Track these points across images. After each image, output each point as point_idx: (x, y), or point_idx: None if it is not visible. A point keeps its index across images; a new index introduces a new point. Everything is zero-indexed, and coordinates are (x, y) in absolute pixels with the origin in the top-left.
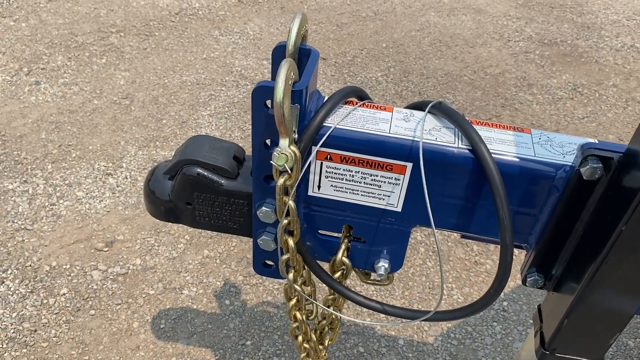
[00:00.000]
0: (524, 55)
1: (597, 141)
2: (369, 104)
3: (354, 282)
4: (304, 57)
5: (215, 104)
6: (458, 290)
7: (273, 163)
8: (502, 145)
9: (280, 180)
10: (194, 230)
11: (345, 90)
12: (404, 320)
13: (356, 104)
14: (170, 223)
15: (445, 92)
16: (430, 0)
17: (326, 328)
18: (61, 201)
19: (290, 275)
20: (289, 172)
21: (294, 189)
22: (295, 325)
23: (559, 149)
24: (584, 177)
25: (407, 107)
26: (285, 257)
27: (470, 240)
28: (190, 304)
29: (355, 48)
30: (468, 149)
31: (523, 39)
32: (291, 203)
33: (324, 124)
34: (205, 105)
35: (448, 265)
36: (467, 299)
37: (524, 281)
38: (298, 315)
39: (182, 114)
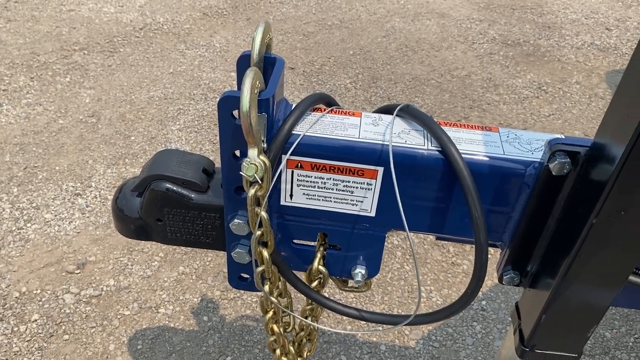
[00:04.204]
0: (488, 56)
1: (564, 136)
2: (337, 110)
3: (333, 290)
4: (269, 65)
5: (184, 118)
6: (437, 292)
7: (243, 174)
8: (471, 145)
9: (251, 191)
10: (168, 247)
11: (312, 97)
12: (385, 326)
13: (324, 110)
14: (142, 241)
15: (414, 96)
16: (394, 6)
17: (304, 339)
18: (29, 224)
19: (266, 288)
20: (260, 182)
21: (266, 199)
22: (272, 338)
23: (527, 145)
24: (553, 173)
25: (376, 111)
26: (260, 269)
27: (446, 242)
28: (167, 322)
29: (322, 56)
30: (438, 151)
31: (487, 41)
32: (263, 214)
33: (293, 132)
34: (174, 120)
35: (426, 268)
36: (446, 301)
37: (500, 279)
38: (275, 328)
39: (150, 130)
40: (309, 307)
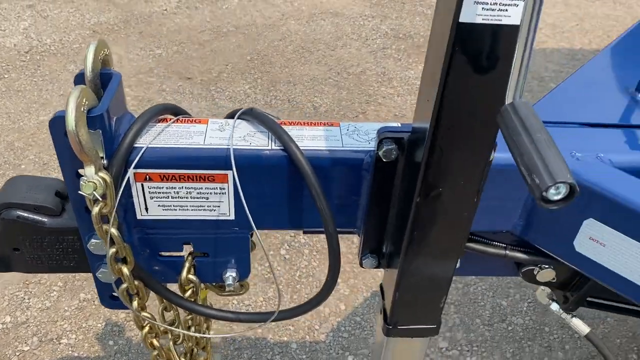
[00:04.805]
0: (382, 51)
1: (399, 124)
2: (184, 118)
3: (252, 298)
4: (108, 81)
5: None
6: (344, 283)
7: (81, 192)
8: (313, 141)
9: (95, 209)
10: (67, 275)
11: (154, 109)
12: (257, 324)
13: (170, 120)
14: (38, 273)
15: (313, 96)
16: (288, 9)
17: (195, 349)
18: None
19: (135, 304)
20: (101, 199)
21: (114, 215)
22: (155, 353)
23: (364, 136)
24: (383, 160)
25: (226, 117)
26: (123, 286)
27: (350, 235)
28: (70, 352)
29: (220, 64)
30: (281, 150)
31: (380, 36)
32: (113, 230)
33: (136, 145)
34: None
35: None
36: (352, 290)
37: (361, 264)
38: (155, 342)
39: (42, 156)
40: (189, 317)
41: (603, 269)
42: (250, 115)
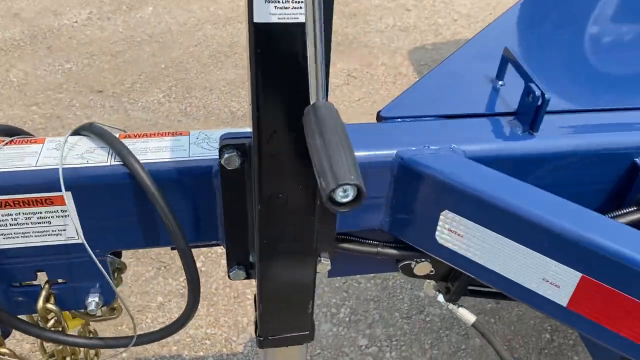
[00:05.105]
0: None
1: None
2: (20, 139)
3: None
4: None
5: None
6: None
7: None
8: (158, 153)
9: None
10: None
11: None
12: (120, 349)
13: (2, 142)
14: None
15: (230, 100)
16: (205, 14)
17: None
18: None
19: None
20: None
21: None
22: None
23: (214, 144)
24: (227, 168)
25: (70, 134)
26: None
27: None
28: None
29: (133, 74)
30: (122, 165)
31: None
32: None
33: None
34: None
35: None
36: None
37: (229, 277)
38: None
39: None
40: (59, 347)
41: (464, 259)
42: (89, 130)
